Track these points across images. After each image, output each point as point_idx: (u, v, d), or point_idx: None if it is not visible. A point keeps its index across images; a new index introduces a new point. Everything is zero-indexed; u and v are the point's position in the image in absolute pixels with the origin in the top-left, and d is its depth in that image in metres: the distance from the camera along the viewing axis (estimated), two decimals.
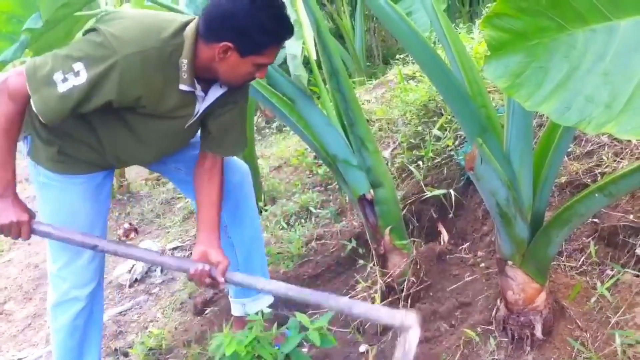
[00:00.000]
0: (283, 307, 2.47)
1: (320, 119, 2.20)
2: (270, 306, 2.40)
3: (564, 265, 1.98)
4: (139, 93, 1.72)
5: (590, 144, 2.29)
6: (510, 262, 1.74)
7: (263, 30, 1.67)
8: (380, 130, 3.25)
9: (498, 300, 1.88)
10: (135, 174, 5.06)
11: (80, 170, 1.94)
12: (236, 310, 2.39)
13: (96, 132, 1.85)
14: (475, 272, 2.18)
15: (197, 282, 1.88)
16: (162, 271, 3.47)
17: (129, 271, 3.50)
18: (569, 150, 2.29)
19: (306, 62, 2.41)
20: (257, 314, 2.20)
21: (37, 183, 1.98)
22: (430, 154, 2.76)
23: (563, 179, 2.20)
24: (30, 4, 1.81)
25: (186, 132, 1.95)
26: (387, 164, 2.80)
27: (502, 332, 1.84)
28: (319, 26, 2.03)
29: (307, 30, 2.31)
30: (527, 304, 1.76)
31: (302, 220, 3.21)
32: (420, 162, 2.80)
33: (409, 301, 2.17)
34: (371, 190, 2.17)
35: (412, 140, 2.97)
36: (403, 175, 2.87)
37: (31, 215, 1.85)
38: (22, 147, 1.99)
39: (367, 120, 2.89)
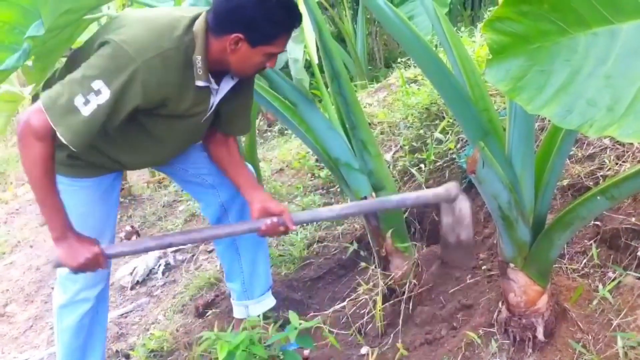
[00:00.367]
0: (285, 310, 2.47)
1: (322, 122, 2.20)
2: (272, 309, 2.41)
3: (566, 267, 1.98)
4: (164, 95, 1.73)
5: (592, 147, 2.30)
6: (512, 265, 1.74)
7: (272, 20, 1.69)
8: (382, 133, 3.25)
9: (500, 303, 1.88)
10: (137, 176, 5.06)
11: (90, 174, 1.94)
12: (239, 313, 2.39)
13: (110, 137, 1.85)
14: (476, 274, 2.18)
15: (269, 235, 1.93)
16: (163, 273, 3.47)
17: (131, 273, 3.50)
18: (571, 153, 2.29)
19: (308, 66, 2.42)
20: (258, 316, 2.21)
21: None
22: (432, 157, 2.76)
23: (565, 182, 2.20)
24: (33, 14, 1.80)
25: (202, 127, 1.97)
26: (389, 167, 2.81)
27: (503, 335, 1.84)
28: (321, 30, 2.03)
29: (309, 34, 2.32)
30: (528, 307, 1.76)
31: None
32: (422, 165, 2.80)
33: (411, 303, 2.17)
34: (373, 193, 2.18)
35: (414, 144, 2.97)
36: (405, 179, 2.87)
37: (97, 242, 1.83)
38: None
39: (369, 124, 2.90)
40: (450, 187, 1.76)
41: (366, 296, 2.29)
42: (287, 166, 3.99)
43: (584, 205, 1.57)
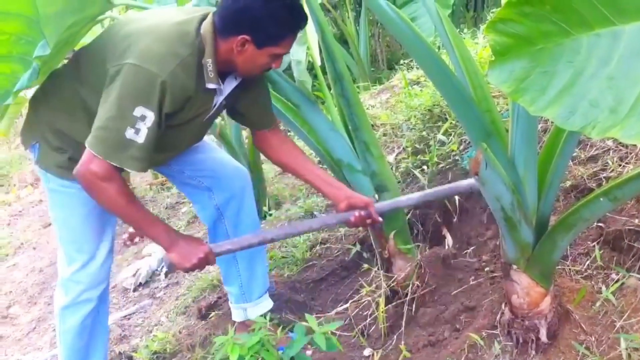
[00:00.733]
0: (288, 311, 2.48)
1: (324, 124, 2.20)
2: (275, 310, 2.41)
3: (569, 269, 1.98)
4: (186, 99, 1.76)
5: (595, 148, 2.29)
6: (515, 266, 1.74)
7: (278, 21, 1.72)
8: (384, 135, 3.25)
9: (503, 305, 1.88)
10: (140, 178, 5.07)
11: None
12: (237, 316, 2.39)
13: None
14: (479, 276, 2.18)
15: (358, 226, 2.04)
16: (166, 275, 3.47)
17: (134, 275, 3.51)
18: (574, 154, 2.29)
19: (310, 68, 2.42)
20: (263, 316, 2.20)
21: (47, 189, 2.01)
22: (435, 159, 2.76)
23: (568, 184, 2.20)
24: (37, 24, 1.81)
25: (204, 127, 2.02)
26: (391, 169, 2.81)
27: (506, 336, 1.83)
28: (324, 32, 2.03)
29: (312, 35, 2.32)
30: (531, 308, 1.75)
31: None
32: (424, 167, 2.80)
33: (414, 305, 2.17)
34: (375, 195, 2.18)
35: (416, 145, 2.97)
36: (408, 180, 2.87)
37: (204, 242, 1.92)
38: (30, 154, 2.01)
39: (372, 125, 2.90)
40: (472, 183, 1.86)
41: (369, 298, 2.29)
42: None
43: (587, 206, 1.56)
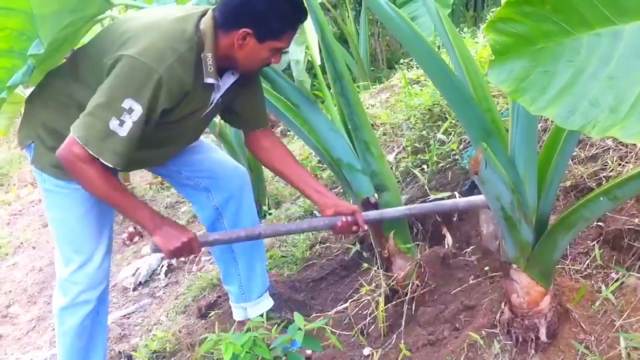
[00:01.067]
0: (288, 311, 2.48)
1: (324, 123, 2.20)
2: (275, 309, 2.41)
3: (569, 268, 1.98)
4: (184, 95, 1.76)
5: (595, 147, 2.29)
6: (514, 266, 1.74)
7: (280, 14, 1.73)
8: (384, 134, 3.25)
9: (502, 304, 1.88)
10: (140, 178, 5.07)
11: None
12: (238, 315, 2.40)
13: None
14: (479, 275, 2.18)
15: (344, 232, 2.03)
16: (166, 274, 3.47)
17: (133, 274, 3.51)
18: (574, 154, 2.29)
19: (310, 67, 2.43)
20: (262, 316, 2.21)
21: (43, 190, 1.99)
22: (435, 158, 2.76)
23: (568, 183, 2.20)
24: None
25: (201, 124, 2.01)
26: (391, 168, 2.81)
27: (506, 336, 1.84)
28: (323, 31, 2.03)
29: (312, 35, 2.32)
30: (531, 307, 1.76)
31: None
32: (424, 166, 2.80)
33: (413, 304, 2.17)
34: (375, 194, 2.18)
35: (416, 145, 2.97)
36: (407, 179, 2.87)
37: (190, 230, 1.92)
38: (27, 154, 2.01)
39: (372, 125, 2.90)
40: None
41: (369, 297, 2.29)
42: None
43: (586, 206, 1.56)
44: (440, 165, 2.75)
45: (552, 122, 1.45)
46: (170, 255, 1.88)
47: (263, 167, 3.68)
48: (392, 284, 2.22)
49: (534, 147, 1.64)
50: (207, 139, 2.26)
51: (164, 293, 3.31)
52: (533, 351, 1.77)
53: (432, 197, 2.54)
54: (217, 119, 3.10)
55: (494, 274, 2.13)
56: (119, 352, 2.79)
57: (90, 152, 1.66)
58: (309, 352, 2.20)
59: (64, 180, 1.91)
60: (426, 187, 2.66)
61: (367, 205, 2.19)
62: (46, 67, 1.97)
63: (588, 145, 2.32)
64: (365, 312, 2.28)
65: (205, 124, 2.06)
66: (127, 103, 1.65)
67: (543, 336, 1.76)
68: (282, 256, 2.96)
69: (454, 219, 2.53)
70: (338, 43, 2.31)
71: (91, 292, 2.06)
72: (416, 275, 2.19)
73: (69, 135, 1.69)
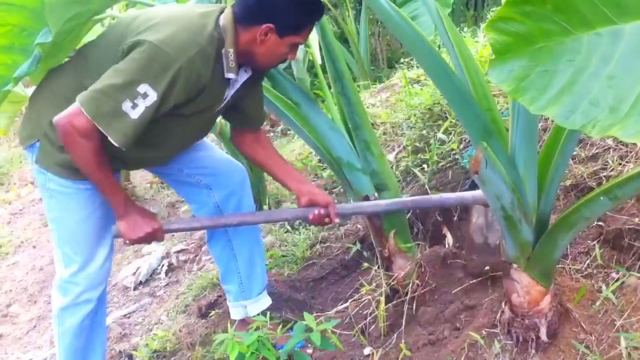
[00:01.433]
0: (288, 310, 2.48)
1: (324, 122, 2.20)
2: (276, 309, 2.41)
3: (569, 268, 1.98)
4: (201, 89, 1.77)
5: (595, 147, 2.29)
6: (515, 265, 1.74)
7: (302, 9, 1.77)
8: (384, 133, 3.25)
9: (503, 303, 1.88)
10: (140, 177, 5.07)
11: None
12: (236, 314, 2.38)
13: None
14: (479, 275, 2.18)
15: (317, 224, 2.07)
16: (166, 274, 3.47)
17: (134, 274, 3.51)
18: (574, 153, 2.29)
19: (311, 66, 2.43)
20: (262, 314, 2.21)
21: (45, 190, 1.97)
22: (435, 158, 2.76)
23: (568, 182, 2.20)
24: (40, 16, 1.83)
25: (212, 120, 2.06)
26: (391, 168, 2.81)
27: (506, 335, 1.83)
28: (324, 30, 2.04)
29: (312, 34, 2.32)
30: (532, 307, 1.76)
31: (307, 223, 3.21)
32: (424, 166, 2.80)
33: (414, 304, 2.17)
34: (375, 194, 2.18)
35: (416, 144, 2.97)
36: (408, 179, 2.87)
37: (158, 219, 1.97)
38: (27, 154, 1.99)
39: (372, 124, 2.90)
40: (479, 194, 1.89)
41: (369, 297, 2.29)
42: None
43: (587, 205, 1.56)
44: (441, 164, 2.75)
45: (552, 121, 1.45)
46: (131, 242, 1.95)
47: None
48: (392, 283, 2.22)
49: (534, 147, 1.64)
50: (206, 138, 2.25)
51: (164, 292, 3.31)
52: (533, 351, 1.77)
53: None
54: (218, 118, 3.10)
55: (494, 273, 2.12)
56: (120, 351, 2.79)
57: (98, 127, 1.67)
58: (310, 350, 2.20)
59: (69, 180, 1.90)
60: (426, 186, 2.66)
61: None
62: (48, 65, 1.97)
63: (588, 145, 2.32)
64: (365, 312, 2.28)
65: (215, 121, 2.08)
66: (143, 88, 1.66)
67: (543, 336, 1.76)
68: (283, 255, 2.96)
69: (455, 218, 2.53)
70: (338, 42, 2.31)
71: (92, 292, 2.06)
72: (417, 275, 2.19)
73: (74, 105, 1.69)
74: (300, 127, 2.22)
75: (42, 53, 1.80)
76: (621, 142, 2.23)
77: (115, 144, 1.70)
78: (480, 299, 2.06)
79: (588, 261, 1.97)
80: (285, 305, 2.51)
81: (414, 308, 2.17)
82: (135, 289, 3.45)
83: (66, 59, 2.02)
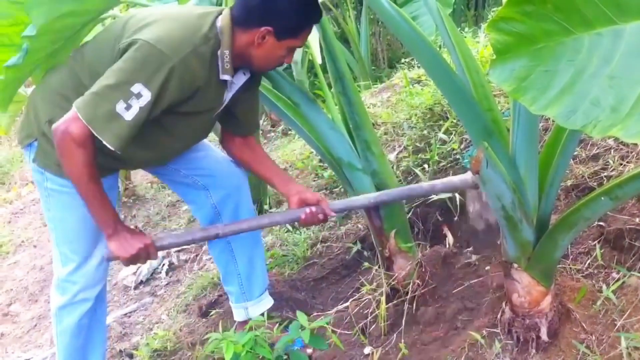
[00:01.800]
0: (288, 310, 2.48)
1: (325, 122, 2.20)
2: (276, 309, 2.41)
3: (570, 268, 1.98)
4: (195, 90, 1.76)
5: (596, 147, 2.29)
6: (515, 265, 1.74)
7: (301, 13, 1.76)
8: (385, 133, 3.25)
9: (503, 303, 1.88)
10: (141, 177, 5.07)
11: None
12: (239, 315, 2.38)
13: None
14: (480, 275, 2.18)
15: (309, 224, 2.01)
16: (167, 273, 3.48)
17: (135, 273, 3.51)
18: (575, 153, 2.29)
19: (311, 66, 2.43)
20: (262, 315, 2.21)
21: (43, 189, 1.97)
22: (436, 158, 2.76)
23: (569, 183, 2.20)
24: None
25: (211, 123, 2.02)
26: (392, 167, 2.81)
27: (507, 335, 1.84)
28: (325, 30, 2.04)
29: (313, 34, 2.32)
30: (532, 307, 1.76)
31: (301, 226, 3.21)
32: (425, 166, 2.80)
33: (414, 304, 2.17)
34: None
35: (417, 144, 2.97)
36: (409, 179, 2.87)
37: (148, 236, 1.91)
38: (25, 154, 1.99)
39: (373, 124, 2.90)
40: (472, 178, 1.81)
41: (369, 296, 2.29)
42: (290, 166, 3.99)
43: (588, 205, 1.56)
44: (442, 164, 2.75)
45: (553, 121, 1.45)
46: (127, 262, 1.88)
47: None
48: (393, 283, 2.22)
49: (535, 147, 1.64)
50: (205, 139, 2.25)
51: (165, 292, 3.31)
52: (534, 351, 1.77)
53: (433, 197, 2.54)
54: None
55: (495, 273, 2.13)
56: (120, 350, 2.79)
57: (92, 131, 1.65)
58: (309, 350, 2.20)
59: (67, 179, 1.90)
60: None
61: None
62: (48, 65, 1.97)
63: (589, 145, 2.32)
64: (366, 312, 2.28)
65: (214, 123, 2.06)
66: (137, 87, 1.64)
67: (544, 336, 1.76)
68: (283, 255, 2.96)
69: (455, 218, 2.53)
70: (339, 42, 2.31)
71: (90, 290, 2.06)
72: (417, 275, 2.20)
73: (71, 110, 1.68)
74: (301, 127, 2.22)
75: (31, 47, 1.78)
76: (622, 142, 2.23)
77: (110, 147, 1.67)
78: (480, 298, 2.07)
79: (589, 261, 1.97)
80: (286, 304, 2.51)
81: (415, 308, 2.17)
82: (135, 288, 3.45)
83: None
